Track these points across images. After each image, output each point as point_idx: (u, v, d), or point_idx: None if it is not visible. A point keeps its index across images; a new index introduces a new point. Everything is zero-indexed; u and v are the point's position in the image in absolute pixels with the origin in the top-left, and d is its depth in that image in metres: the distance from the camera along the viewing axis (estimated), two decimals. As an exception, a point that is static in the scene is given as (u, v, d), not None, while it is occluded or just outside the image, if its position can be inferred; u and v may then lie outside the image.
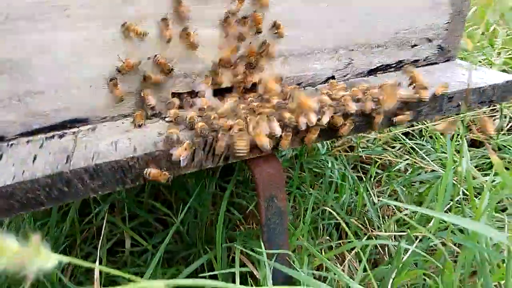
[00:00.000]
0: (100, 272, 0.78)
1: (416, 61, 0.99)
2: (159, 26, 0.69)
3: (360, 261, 0.92)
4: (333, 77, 0.91)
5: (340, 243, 0.99)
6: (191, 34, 0.69)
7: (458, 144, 1.29)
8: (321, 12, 0.82)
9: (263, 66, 0.80)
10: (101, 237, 0.79)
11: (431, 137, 1.47)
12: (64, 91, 0.68)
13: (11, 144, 0.66)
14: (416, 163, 1.32)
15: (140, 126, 0.69)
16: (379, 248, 1.04)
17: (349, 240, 0.90)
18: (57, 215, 0.94)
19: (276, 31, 0.79)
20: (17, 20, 0.60)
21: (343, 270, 0.88)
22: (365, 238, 1.00)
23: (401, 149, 1.46)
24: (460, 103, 0.84)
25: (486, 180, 1.06)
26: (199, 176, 1.09)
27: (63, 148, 0.63)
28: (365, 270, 0.85)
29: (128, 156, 0.59)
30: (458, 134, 1.20)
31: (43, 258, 0.28)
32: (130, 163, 0.60)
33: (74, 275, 0.90)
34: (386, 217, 1.15)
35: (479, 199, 0.92)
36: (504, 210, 1.11)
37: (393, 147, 1.47)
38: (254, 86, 0.81)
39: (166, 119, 0.72)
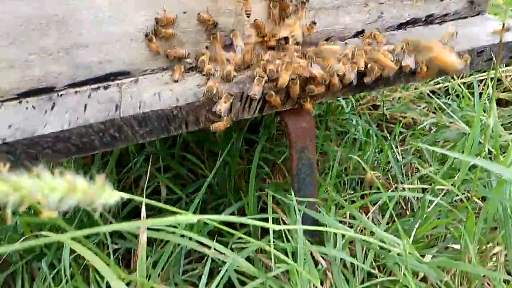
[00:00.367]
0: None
1: (446, 15, 0.99)
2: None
3: (383, 215, 0.98)
4: (362, 31, 0.93)
5: (364, 196, 1.04)
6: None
7: (485, 104, 1.30)
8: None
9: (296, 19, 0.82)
10: (140, 185, 0.86)
11: (457, 96, 1.48)
12: (106, 45, 0.72)
13: (61, 95, 0.71)
14: (442, 121, 1.34)
15: (176, 81, 0.73)
16: (402, 204, 1.09)
17: (374, 191, 0.94)
18: (98, 164, 1.02)
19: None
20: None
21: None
22: (390, 191, 1.05)
23: (426, 108, 1.48)
24: (491, 57, 0.85)
25: (513, 138, 1.08)
26: (227, 131, 1.15)
27: (110, 98, 0.68)
28: (388, 223, 0.91)
29: (172, 106, 0.64)
30: (484, 93, 1.21)
31: (108, 195, 0.33)
32: (174, 112, 0.65)
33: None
34: (410, 175, 1.20)
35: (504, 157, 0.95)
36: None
37: (418, 106, 1.49)
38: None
39: (203, 72, 0.76)
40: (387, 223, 0.91)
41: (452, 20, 1.03)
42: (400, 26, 0.97)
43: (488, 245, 0.84)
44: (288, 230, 0.79)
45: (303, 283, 0.67)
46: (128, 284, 0.69)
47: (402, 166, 1.19)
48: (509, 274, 0.83)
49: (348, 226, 0.90)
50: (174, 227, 0.70)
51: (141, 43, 0.74)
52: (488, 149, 1.10)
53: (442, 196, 0.96)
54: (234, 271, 0.75)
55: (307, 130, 0.78)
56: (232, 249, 0.78)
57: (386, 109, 1.43)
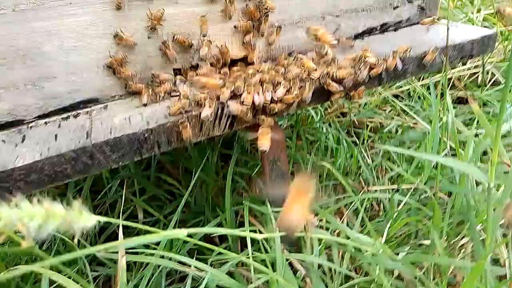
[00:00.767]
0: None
1: (400, 22, 1.06)
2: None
3: (357, 217, 1.02)
4: (322, 44, 0.98)
5: (338, 201, 1.09)
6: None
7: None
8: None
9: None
10: (116, 209, 0.87)
11: (419, 97, 1.56)
12: (74, 74, 0.74)
13: (31, 127, 0.72)
14: (406, 123, 1.41)
15: (145, 105, 0.75)
16: (375, 206, 1.14)
17: (348, 195, 0.99)
18: (72, 191, 1.02)
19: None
20: (24, 10, 0.66)
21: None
22: (361, 194, 1.09)
23: (391, 111, 1.55)
24: (442, 59, 0.92)
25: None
26: (202, 149, 1.17)
27: (80, 126, 0.70)
28: (362, 225, 0.95)
29: (143, 129, 0.67)
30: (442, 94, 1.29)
31: (85, 219, 0.36)
32: (145, 134, 0.67)
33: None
34: (381, 177, 1.25)
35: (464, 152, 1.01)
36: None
37: (384, 110, 1.56)
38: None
39: (173, 94, 0.78)
40: (362, 225, 0.95)
41: (406, 26, 1.10)
42: (357, 36, 1.03)
43: (456, 238, 0.89)
44: (267, 241, 0.82)
45: (283, 291, 0.70)
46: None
47: (373, 169, 1.25)
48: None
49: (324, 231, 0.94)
50: (153, 249, 0.72)
51: (108, 70, 0.77)
52: (450, 146, 1.17)
53: (411, 195, 1.02)
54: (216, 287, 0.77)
55: (277, 142, 0.82)
56: (212, 265, 0.80)
57: (354, 115, 1.50)
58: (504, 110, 0.61)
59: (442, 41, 0.94)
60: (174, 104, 0.71)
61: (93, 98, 0.77)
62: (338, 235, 0.95)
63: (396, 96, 1.58)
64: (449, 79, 1.60)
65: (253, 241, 0.90)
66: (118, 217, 1.01)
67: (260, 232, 0.85)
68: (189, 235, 0.39)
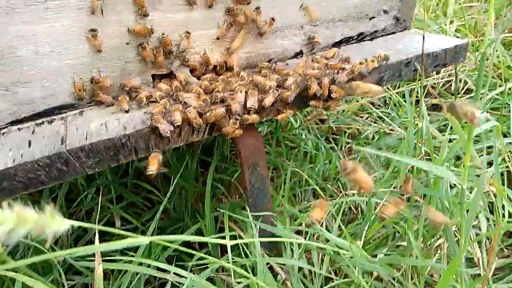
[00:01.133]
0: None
1: (375, 31, 1.09)
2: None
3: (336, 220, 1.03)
4: (301, 52, 1.00)
5: (317, 205, 1.09)
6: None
7: (418, 110, 1.42)
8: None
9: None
10: (93, 217, 0.85)
11: (395, 105, 1.60)
12: (49, 79, 0.72)
13: (3, 133, 0.70)
14: (383, 129, 1.44)
15: (127, 111, 0.74)
16: (353, 209, 1.15)
17: (329, 198, 1.00)
18: (47, 199, 0.99)
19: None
20: (-1, 12, 0.64)
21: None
22: (339, 198, 1.11)
23: (368, 118, 1.58)
24: (417, 67, 0.95)
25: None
26: (180, 155, 1.16)
27: (55, 132, 0.68)
28: (340, 229, 0.96)
29: (120, 134, 0.66)
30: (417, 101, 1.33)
31: (58, 223, 0.35)
32: (122, 140, 0.66)
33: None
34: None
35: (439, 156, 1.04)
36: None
37: (361, 117, 1.59)
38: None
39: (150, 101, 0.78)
40: (340, 229, 0.96)
41: (382, 36, 1.13)
42: (335, 45, 1.05)
43: (432, 239, 0.91)
44: (247, 247, 0.82)
45: (264, 296, 0.69)
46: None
47: (351, 174, 1.27)
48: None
49: (304, 235, 0.95)
50: (131, 256, 0.70)
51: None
52: (425, 151, 1.20)
53: (388, 197, 1.04)
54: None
55: (256, 147, 0.83)
56: (192, 272, 0.79)
57: (332, 122, 1.52)
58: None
59: (415, 50, 0.97)
60: (155, 107, 0.71)
61: (68, 104, 0.75)
62: (317, 238, 0.96)
63: (372, 104, 1.62)
64: (424, 87, 1.65)
65: (233, 246, 0.90)
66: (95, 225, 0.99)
67: (241, 238, 0.85)
68: (169, 242, 0.39)
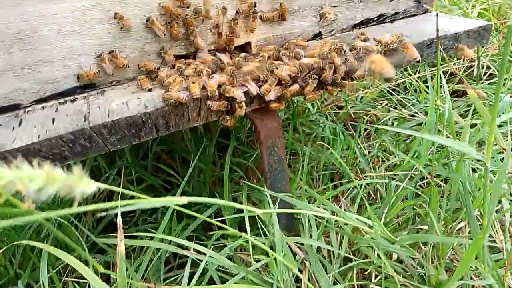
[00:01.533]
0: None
1: (396, 13, 1.07)
2: None
3: (355, 204, 1.02)
4: (320, 34, 0.99)
5: (335, 187, 1.09)
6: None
7: (441, 96, 1.39)
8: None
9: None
10: (114, 198, 0.87)
11: (415, 90, 1.57)
12: (71, 59, 0.74)
13: (28, 111, 0.72)
14: (402, 116, 1.42)
15: (150, 90, 0.74)
16: (372, 194, 1.14)
17: (347, 180, 0.99)
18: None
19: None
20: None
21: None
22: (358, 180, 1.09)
23: (387, 105, 1.56)
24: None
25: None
26: (198, 139, 1.17)
27: (78, 110, 0.70)
28: (359, 213, 0.95)
29: (141, 112, 0.67)
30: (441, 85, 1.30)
31: (85, 185, 0.35)
32: (143, 118, 0.67)
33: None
34: (377, 167, 1.25)
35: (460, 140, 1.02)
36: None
37: (380, 103, 1.57)
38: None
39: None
40: (358, 214, 0.95)
41: (402, 18, 1.11)
42: (355, 27, 1.03)
43: (453, 223, 0.90)
44: (265, 226, 0.82)
45: (282, 274, 0.70)
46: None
47: (369, 160, 1.25)
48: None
49: (321, 218, 0.94)
50: (151, 237, 0.71)
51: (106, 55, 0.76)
52: (446, 135, 1.17)
53: (408, 180, 1.02)
54: (215, 271, 0.77)
55: (274, 128, 0.82)
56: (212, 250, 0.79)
57: (351, 108, 1.50)
58: (498, 98, 0.62)
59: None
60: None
61: (90, 83, 0.76)
62: (335, 222, 0.95)
63: (392, 89, 1.59)
64: (445, 72, 1.61)
65: (252, 227, 0.90)
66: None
67: (259, 217, 0.85)
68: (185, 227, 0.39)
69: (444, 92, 0.96)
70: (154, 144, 1.17)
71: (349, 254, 0.81)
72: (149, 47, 0.79)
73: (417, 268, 0.78)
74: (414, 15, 1.12)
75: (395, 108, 1.50)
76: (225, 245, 0.80)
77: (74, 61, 0.73)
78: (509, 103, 1.13)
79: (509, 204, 0.94)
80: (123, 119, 0.66)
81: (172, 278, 0.85)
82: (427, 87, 1.49)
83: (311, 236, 0.84)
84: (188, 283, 0.73)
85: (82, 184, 0.35)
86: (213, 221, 0.51)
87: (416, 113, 1.34)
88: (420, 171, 0.93)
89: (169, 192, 1.10)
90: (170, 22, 0.77)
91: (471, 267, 0.71)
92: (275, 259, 0.69)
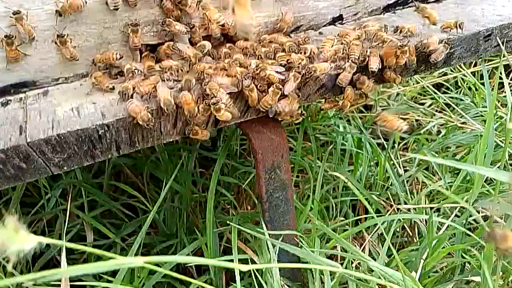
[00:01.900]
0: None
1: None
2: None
3: (383, 243, 1.03)
4: (341, 17, 0.99)
5: (358, 222, 1.10)
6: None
7: (504, 97, 1.40)
8: None
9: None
10: (57, 228, 0.87)
11: (469, 88, 1.58)
12: (4, 47, 0.74)
13: None
14: (452, 121, 1.43)
15: (113, 89, 0.75)
16: (408, 230, 1.15)
17: (370, 216, 1.00)
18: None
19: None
20: None
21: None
22: (388, 214, 1.10)
23: (431, 106, 1.57)
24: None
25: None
26: (175, 149, 1.18)
27: (11, 118, 0.70)
28: (390, 254, 0.96)
29: (97, 123, 0.67)
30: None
31: (23, 240, 0.36)
32: (100, 131, 0.68)
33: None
34: (415, 193, 1.27)
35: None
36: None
37: (422, 104, 1.58)
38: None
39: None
40: (389, 255, 0.97)
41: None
42: (388, 8, 1.04)
43: (515, 275, 0.91)
44: (261, 273, 0.83)
45: None
46: None
47: (405, 182, 1.26)
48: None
49: (339, 262, 0.95)
50: (108, 281, 0.71)
51: (50, 44, 0.77)
52: (510, 152, 1.18)
53: (456, 216, 1.03)
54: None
55: (277, 144, 0.83)
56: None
57: (382, 109, 1.51)
58: None
59: (500, 18, 0.95)
60: None
61: (28, 80, 0.77)
62: (357, 267, 0.96)
63: (438, 86, 1.60)
64: (506, 67, 1.62)
65: (244, 274, 0.91)
66: (59, 239, 1.02)
67: (253, 262, 0.86)
68: (157, 264, 0.40)
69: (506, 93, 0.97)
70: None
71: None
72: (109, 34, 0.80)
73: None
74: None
75: (442, 111, 1.52)
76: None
77: (8, 50, 0.74)
78: None
79: None
80: (73, 132, 0.66)
81: None
82: (483, 84, 1.50)
83: (323, 287, 0.85)
84: None
85: (18, 239, 0.35)
86: (190, 279, 0.51)
87: (470, 120, 1.35)
88: (473, 205, 0.94)
89: (132, 221, 1.11)
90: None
91: None
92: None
